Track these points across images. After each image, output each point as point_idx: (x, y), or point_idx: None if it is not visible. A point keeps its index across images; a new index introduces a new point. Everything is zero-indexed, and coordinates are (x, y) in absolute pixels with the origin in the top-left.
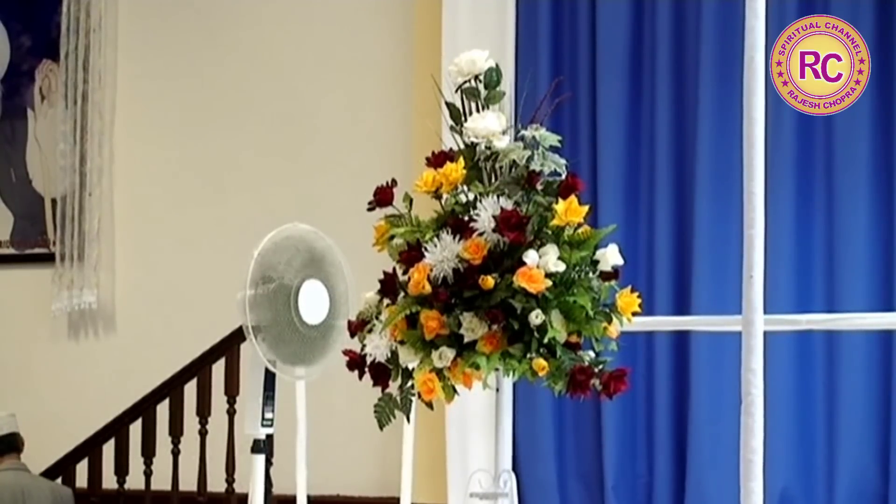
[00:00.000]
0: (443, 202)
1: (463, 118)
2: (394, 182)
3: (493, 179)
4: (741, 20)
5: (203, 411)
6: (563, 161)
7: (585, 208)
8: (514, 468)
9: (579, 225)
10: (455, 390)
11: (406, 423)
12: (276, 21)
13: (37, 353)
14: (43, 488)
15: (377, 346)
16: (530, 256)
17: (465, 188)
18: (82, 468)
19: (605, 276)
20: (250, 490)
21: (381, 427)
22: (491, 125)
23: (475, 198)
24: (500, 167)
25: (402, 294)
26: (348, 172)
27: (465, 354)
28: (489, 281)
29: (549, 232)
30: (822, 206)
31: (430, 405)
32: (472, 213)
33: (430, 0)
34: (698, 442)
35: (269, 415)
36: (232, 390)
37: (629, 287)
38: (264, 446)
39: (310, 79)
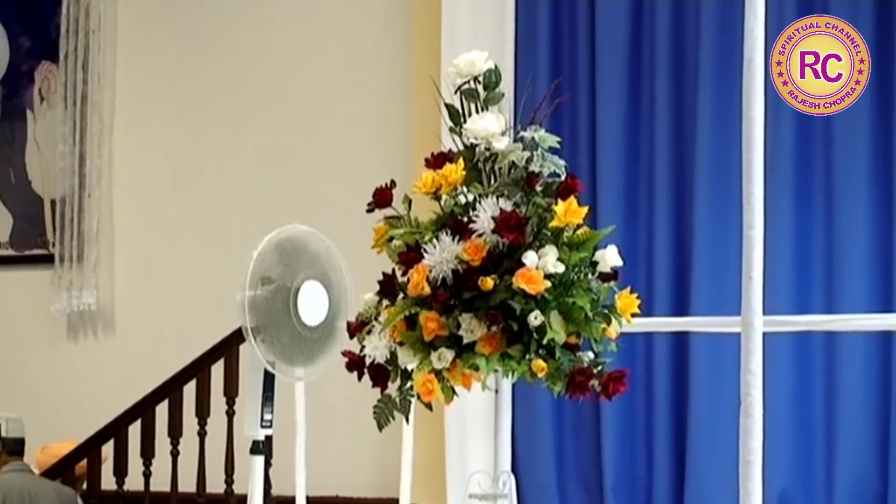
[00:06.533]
0: (442, 203)
1: (462, 119)
2: (393, 183)
3: (492, 181)
4: (741, 20)
5: (202, 412)
6: (562, 162)
7: (585, 209)
8: (514, 469)
9: (578, 226)
10: (454, 391)
11: (405, 425)
12: (275, 23)
13: (36, 355)
14: (48, 489)
15: (376, 348)
16: (529, 258)
17: (465, 189)
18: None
19: (604, 277)
20: (249, 491)
21: (381, 428)
22: (490, 126)
23: (474, 199)
24: (500, 168)
25: (401, 295)
26: (348, 174)
27: (464, 355)
28: (488, 282)
29: (549, 233)
30: (822, 207)
31: (429, 406)
32: (471, 214)
33: (429, 1)
34: (697, 443)
35: (268, 416)
36: (231, 391)
37: (628, 288)
38: (263, 447)
39: (309, 79)
